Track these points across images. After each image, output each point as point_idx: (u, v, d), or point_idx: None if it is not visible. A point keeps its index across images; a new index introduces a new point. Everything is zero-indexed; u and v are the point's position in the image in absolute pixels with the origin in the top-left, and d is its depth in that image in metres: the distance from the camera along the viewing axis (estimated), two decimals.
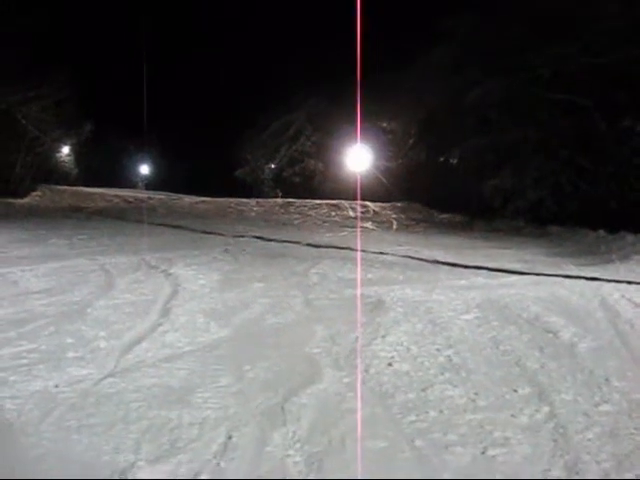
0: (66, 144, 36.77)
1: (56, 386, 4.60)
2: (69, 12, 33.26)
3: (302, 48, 35.16)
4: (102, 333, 5.95)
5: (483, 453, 3.72)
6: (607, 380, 5.01)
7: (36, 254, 10.88)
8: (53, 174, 34.85)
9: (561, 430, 4.05)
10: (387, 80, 26.14)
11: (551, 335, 6.31)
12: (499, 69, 20.18)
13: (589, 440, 3.92)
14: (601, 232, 15.65)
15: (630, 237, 14.02)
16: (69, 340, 5.71)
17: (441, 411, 4.32)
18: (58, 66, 27.78)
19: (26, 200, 26.30)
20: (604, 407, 4.47)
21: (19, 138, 28.94)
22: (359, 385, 4.78)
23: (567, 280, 9.42)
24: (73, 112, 31.68)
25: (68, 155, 38.44)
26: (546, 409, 4.40)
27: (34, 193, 28.07)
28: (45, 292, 7.75)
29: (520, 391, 4.74)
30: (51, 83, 28.51)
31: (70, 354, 5.33)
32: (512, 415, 4.28)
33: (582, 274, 9.91)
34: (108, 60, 40.06)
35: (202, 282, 8.62)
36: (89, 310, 6.87)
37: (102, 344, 5.62)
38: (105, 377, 4.79)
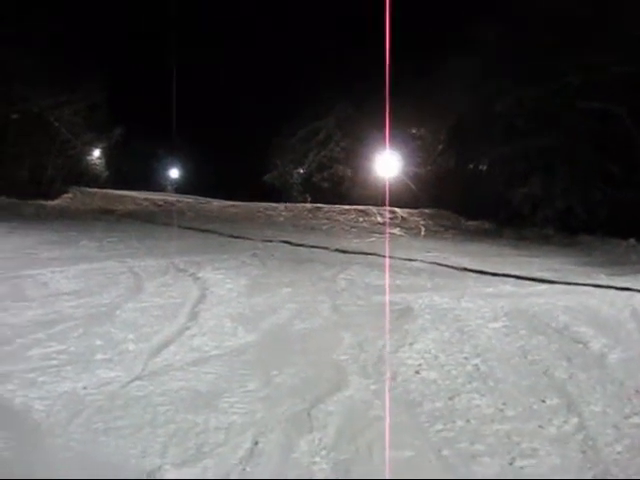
0: (97, 147, 37.13)
1: (84, 388, 4.64)
2: (101, 17, 33.52)
3: (331, 53, 35.13)
4: (130, 336, 5.98)
5: (511, 464, 3.69)
6: (638, 392, 4.95)
7: (66, 256, 10.98)
8: (84, 176, 35.17)
9: (590, 442, 4.01)
10: (416, 86, 26.11)
11: (580, 345, 6.25)
12: (529, 77, 20.06)
13: (618, 453, 3.88)
14: (632, 241, 15.47)
15: None
16: (98, 342, 5.76)
17: (468, 420, 4.30)
18: (90, 71, 28.11)
19: (57, 202, 26.55)
20: (634, 419, 4.42)
21: (51, 141, 29.32)
22: (386, 393, 4.76)
23: (597, 289, 9.31)
24: (104, 116, 32.09)
25: (99, 158, 38.79)
26: (575, 420, 4.35)
27: (65, 195, 28.34)
28: (74, 294, 7.81)
29: (548, 401, 4.70)
30: (83, 87, 28.86)
31: (99, 356, 5.37)
32: (540, 426, 4.24)
33: (612, 284, 9.79)
34: (139, 65, 40.33)
35: (230, 286, 8.64)
36: (118, 312, 6.92)
37: (130, 347, 5.66)
38: (133, 380, 4.82)
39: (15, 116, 27.36)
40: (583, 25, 18.05)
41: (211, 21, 42.59)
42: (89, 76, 28.19)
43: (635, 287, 9.45)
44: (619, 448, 3.94)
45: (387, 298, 8.23)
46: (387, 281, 9.64)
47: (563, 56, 18.52)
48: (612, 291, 9.19)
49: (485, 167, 24.82)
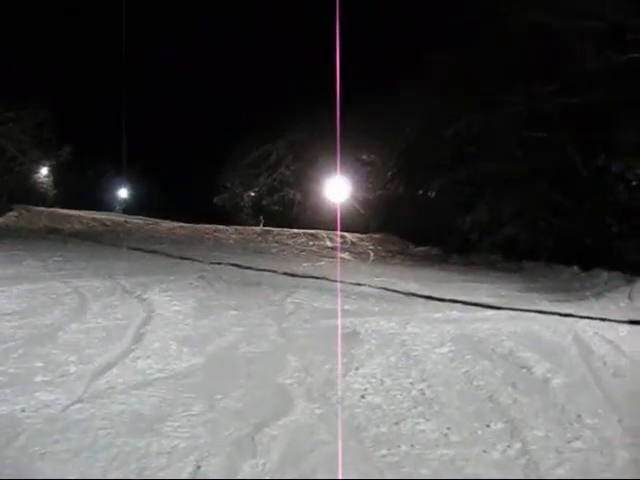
0: (45, 165, 36.68)
1: (23, 410, 4.53)
2: (51, 34, 33.21)
3: (284, 77, 35.39)
4: (72, 357, 5.87)
5: None
6: (579, 417, 5.02)
7: (9, 275, 10.76)
8: (31, 195, 34.70)
9: (532, 466, 4.05)
10: (368, 111, 26.38)
11: (524, 370, 6.31)
12: (478, 105, 20.40)
13: (560, 477, 3.92)
14: (575, 268, 15.74)
15: (604, 274, 14.09)
16: (38, 364, 5.63)
17: (413, 445, 4.30)
18: (39, 88, 27.78)
19: (2, 220, 26.11)
20: (576, 444, 4.47)
21: None
22: (332, 417, 4.74)
23: (541, 316, 9.44)
24: (52, 134, 31.66)
25: (46, 176, 38.34)
26: (518, 445, 4.39)
27: (10, 213, 27.86)
28: (16, 314, 7.65)
29: (492, 426, 4.73)
30: (31, 104, 28.48)
31: (39, 378, 5.25)
32: (484, 451, 4.27)
33: (556, 310, 9.94)
34: (89, 84, 40.03)
35: (177, 308, 8.55)
36: (60, 334, 6.78)
37: (72, 369, 5.55)
38: (74, 403, 4.72)
39: None
40: (532, 56, 18.45)
41: (162, 42, 42.48)
42: (37, 93, 27.86)
43: (578, 313, 9.62)
44: (561, 471, 3.99)
45: (335, 322, 8.22)
46: (335, 305, 9.63)
47: (512, 86, 18.86)
48: (556, 317, 9.33)
49: (434, 193, 25.08)
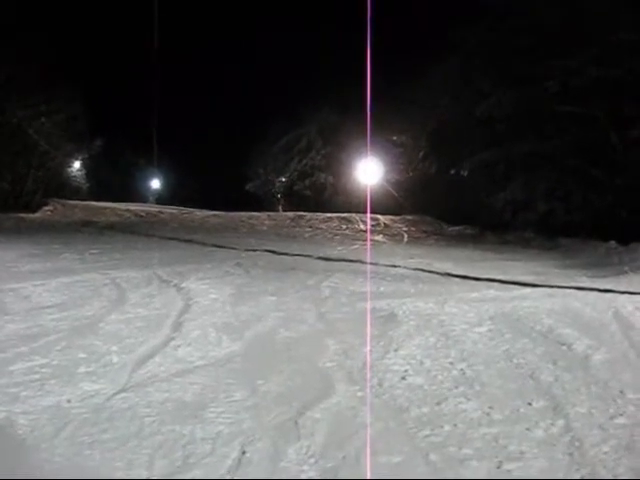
0: (77, 159, 37.02)
1: (68, 401, 4.59)
2: (81, 27, 33.48)
3: (313, 61, 35.27)
4: (114, 348, 5.93)
5: (499, 467, 3.68)
6: (622, 392, 4.97)
7: (48, 269, 10.89)
8: (64, 189, 35.07)
9: (577, 443, 4.01)
10: (398, 93, 26.24)
11: (565, 347, 6.27)
12: (508, 81, 20.19)
13: (605, 453, 3.88)
14: (612, 243, 15.57)
15: None
16: (81, 355, 5.70)
17: (455, 425, 4.29)
18: (69, 81, 28.00)
19: (37, 215, 26.41)
20: (619, 420, 4.43)
21: (30, 153, 29.17)
22: (373, 399, 4.75)
23: (580, 292, 9.36)
24: (84, 127, 31.93)
25: (79, 170, 38.67)
26: (561, 422, 4.36)
27: (45, 208, 28.19)
28: (57, 307, 7.74)
29: (535, 404, 4.70)
30: (62, 98, 28.71)
31: (82, 369, 5.32)
32: (527, 429, 4.25)
33: (595, 286, 9.85)
34: (119, 75, 40.28)
35: (214, 296, 8.60)
36: (101, 325, 6.86)
37: (114, 359, 5.61)
38: (118, 392, 4.78)
39: None
40: (561, 29, 18.20)
41: (194, 32, 42.59)
42: (68, 86, 28.08)
43: (617, 289, 9.52)
44: (606, 449, 3.95)
45: (371, 305, 8.22)
46: (371, 288, 9.63)
47: (541, 60, 18.63)
48: (595, 293, 9.25)
49: (466, 172, 24.94)
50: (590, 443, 4.03)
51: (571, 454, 3.87)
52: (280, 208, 37.83)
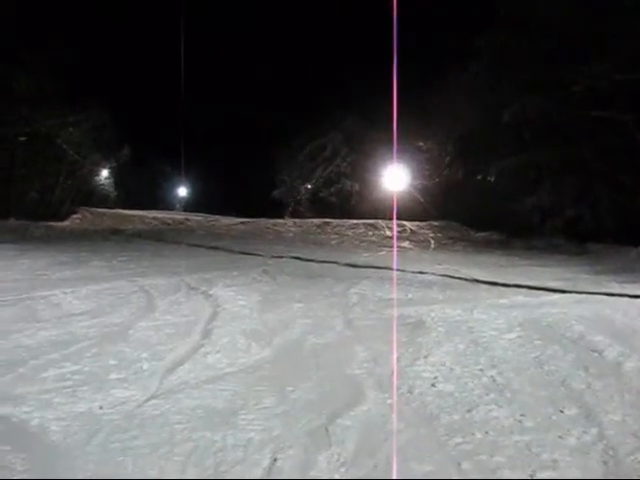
0: (105, 167, 37.35)
1: (100, 408, 4.62)
2: (108, 37, 33.82)
3: (338, 69, 35.32)
4: (144, 355, 5.97)
5: (532, 476, 3.64)
6: None
7: (77, 276, 11.00)
8: (92, 197, 35.42)
9: (611, 452, 3.96)
10: (423, 99, 26.19)
11: (596, 354, 6.20)
12: (533, 86, 20.08)
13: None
14: None
15: None
16: (112, 362, 5.74)
17: (487, 432, 4.25)
18: (97, 91, 28.28)
19: (66, 223, 26.70)
20: None
21: (59, 162, 29.52)
22: (403, 406, 4.73)
23: (610, 298, 9.26)
24: (111, 136, 32.24)
25: (107, 178, 39.03)
26: (594, 430, 4.30)
27: (74, 216, 28.51)
28: (87, 314, 7.81)
29: (567, 412, 4.65)
30: (90, 108, 29.03)
31: (113, 375, 5.35)
32: (560, 436, 4.20)
33: (625, 292, 9.75)
34: (146, 85, 40.62)
35: (242, 303, 8.63)
36: (131, 332, 6.91)
37: (145, 365, 5.64)
38: (149, 399, 4.80)
39: (23, 138, 27.52)
40: (584, 34, 18.07)
41: (221, 40, 42.85)
42: (96, 96, 28.36)
43: None
44: None
45: (399, 311, 8.20)
46: (398, 294, 9.62)
47: (565, 65, 18.53)
48: (625, 299, 9.15)
49: (493, 178, 24.83)
50: (624, 451, 3.97)
51: (605, 462, 3.82)
52: (306, 215, 37.89)
